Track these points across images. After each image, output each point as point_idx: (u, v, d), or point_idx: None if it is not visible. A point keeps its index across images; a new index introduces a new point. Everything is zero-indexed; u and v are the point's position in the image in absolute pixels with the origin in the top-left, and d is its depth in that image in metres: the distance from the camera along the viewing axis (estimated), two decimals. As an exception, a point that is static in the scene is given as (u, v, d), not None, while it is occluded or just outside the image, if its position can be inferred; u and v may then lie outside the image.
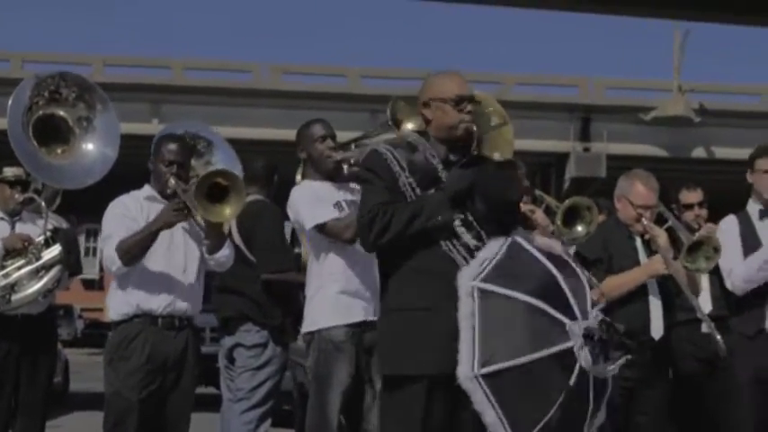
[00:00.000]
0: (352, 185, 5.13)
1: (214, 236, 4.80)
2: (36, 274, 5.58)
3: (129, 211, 4.89)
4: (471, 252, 3.85)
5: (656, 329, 5.14)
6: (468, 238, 3.90)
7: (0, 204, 5.90)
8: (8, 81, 10.49)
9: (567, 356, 3.52)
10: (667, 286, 5.25)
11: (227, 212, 4.67)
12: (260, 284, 5.79)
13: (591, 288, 3.88)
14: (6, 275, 5.56)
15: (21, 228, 5.79)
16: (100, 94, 5.43)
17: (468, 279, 3.69)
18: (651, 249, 5.28)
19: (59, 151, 5.38)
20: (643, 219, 5.26)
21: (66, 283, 5.95)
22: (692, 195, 6.15)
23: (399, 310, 3.98)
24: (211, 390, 11.73)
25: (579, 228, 5.47)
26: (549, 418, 3.50)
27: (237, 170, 5.32)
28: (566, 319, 3.55)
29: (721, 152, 20.31)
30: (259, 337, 5.80)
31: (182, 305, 4.88)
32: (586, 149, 20.87)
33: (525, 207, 5.00)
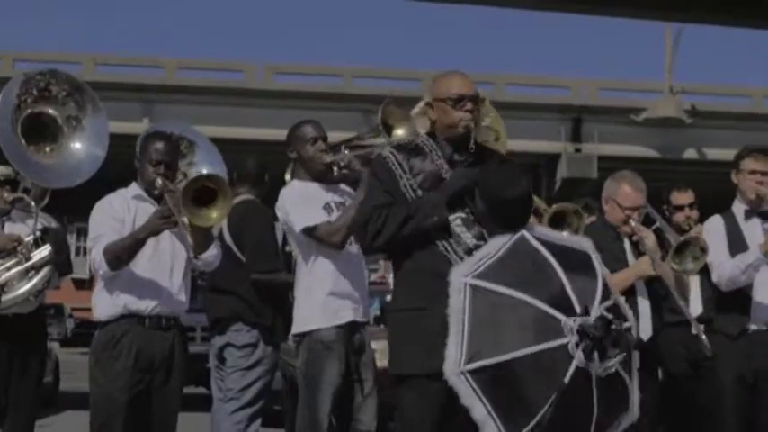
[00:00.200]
0: (342, 187, 5.15)
1: (201, 237, 4.79)
2: (26, 274, 5.56)
3: (116, 212, 4.86)
4: (470, 251, 3.87)
5: (645, 330, 5.14)
6: (467, 237, 3.93)
7: (-11, 204, 5.87)
8: (-1, 80, 10.46)
9: (562, 354, 3.49)
10: (655, 288, 5.26)
11: (214, 216, 4.66)
12: (250, 284, 5.79)
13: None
14: (-4, 276, 5.54)
15: (10, 228, 5.77)
16: (91, 94, 5.41)
17: (460, 275, 3.69)
18: (639, 251, 5.29)
19: (48, 150, 5.35)
20: (631, 220, 5.26)
21: (57, 282, 5.93)
22: (682, 197, 6.17)
23: (399, 310, 4.07)
24: (202, 390, 11.72)
25: (565, 234, 5.46)
26: (542, 415, 3.48)
27: (221, 170, 5.31)
28: (561, 316, 3.52)
29: (712, 153, 20.38)
30: (249, 337, 5.79)
31: (169, 305, 4.87)
32: (578, 150, 20.94)
33: None
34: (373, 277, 18.29)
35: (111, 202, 4.92)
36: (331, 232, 4.88)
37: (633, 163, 16.68)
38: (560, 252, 3.73)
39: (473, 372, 3.55)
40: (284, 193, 5.13)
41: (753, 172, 5.57)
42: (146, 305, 4.80)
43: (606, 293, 3.66)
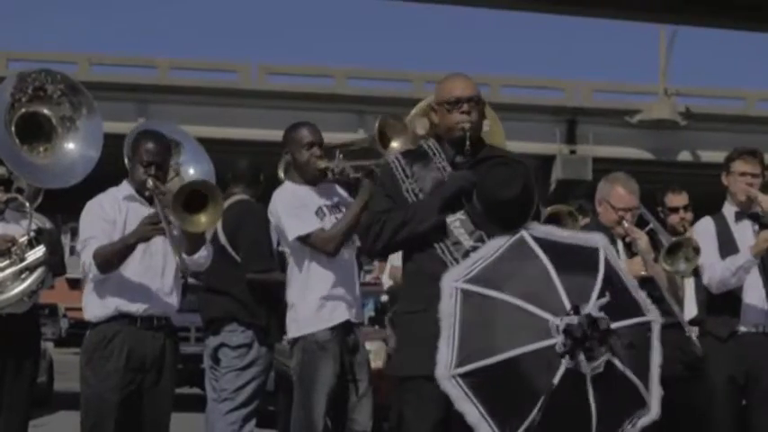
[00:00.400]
0: (336, 189, 5.18)
1: (192, 238, 4.78)
2: (20, 275, 5.54)
3: (107, 214, 4.85)
4: (467, 254, 3.88)
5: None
6: (465, 239, 3.94)
7: (-17, 204, 5.86)
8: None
9: (551, 355, 3.48)
10: (648, 290, 5.26)
11: (204, 221, 4.66)
12: (245, 284, 5.79)
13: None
14: (-10, 277, 5.52)
15: (4, 228, 5.74)
16: (86, 95, 5.39)
17: (452, 280, 3.70)
18: (633, 252, 5.29)
19: (42, 150, 5.33)
20: (624, 221, 5.27)
21: (51, 282, 5.92)
22: (677, 198, 6.17)
23: (402, 313, 4.16)
24: (196, 390, 11.71)
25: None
26: (533, 417, 3.47)
27: (208, 169, 5.30)
28: (549, 316, 3.51)
29: (707, 156, 20.41)
30: (244, 338, 5.79)
31: (160, 306, 4.86)
32: (572, 152, 20.97)
33: None
34: (368, 278, 18.28)
35: (102, 204, 4.91)
36: (325, 240, 4.92)
37: (628, 165, 16.70)
38: (557, 251, 3.71)
39: (464, 375, 3.55)
40: (276, 198, 5.14)
41: (743, 174, 5.57)
42: (137, 307, 4.80)
43: (605, 290, 3.61)
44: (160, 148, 4.91)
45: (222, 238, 5.83)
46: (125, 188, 4.97)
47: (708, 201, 6.23)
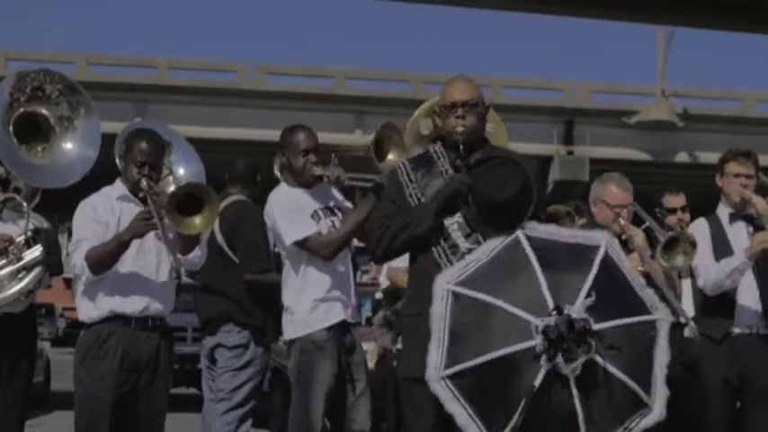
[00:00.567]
0: (332, 192, 5.20)
1: (186, 238, 4.78)
2: (17, 274, 5.53)
3: (99, 215, 4.84)
4: (463, 256, 3.90)
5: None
6: (461, 241, 3.96)
7: (-20, 204, 5.85)
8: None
9: (531, 356, 3.46)
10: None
11: (198, 224, 4.66)
12: (242, 285, 5.79)
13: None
14: (-13, 277, 5.51)
15: (1, 228, 5.73)
16: (84, 95, 5.38)
17: (444, 282, 3.71)
18: (629, 250, 5.28)
19: (40, 150, 5.33)
20: (620, 218, 5.26)
21: (48, 281, 5.91)
22: (675, 199, 6.17)
23: (403, 315, 4.25)
24: (193, 390, 11.71)
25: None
26: (518, 419, 3.45)
27: (198, 168, 5.29)
28: (531, 318, 3.50)
29: (704, 157, 20.41)
30: (240, 338, 5.79)
31: (155, 307, 4.86)
32: (570, 153, 20.97)
33: None
34: (365, 278, 18.25)
35: (95, 205, 4.89)
36: (323, 245, 4.96)
37: (625, 165, 16.70)
38: (551, 251, 3.70)
39: (452, 377, 3.57)
40: (272, 201, 5.15)
41: (737, 175, 5.57)
42: (132, 308, 4.79)
43: (594, 290, 3.56)
44: (154, 147, 4.90)
45: (219, 239, 5.83)
46: (118, 188, 4.95)
47: (705, 202, 6.23)
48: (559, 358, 3.44)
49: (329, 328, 4.96)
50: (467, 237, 3.95)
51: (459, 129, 4.02)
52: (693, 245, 5.35)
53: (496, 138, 4.77)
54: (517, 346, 3.48)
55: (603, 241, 3.78)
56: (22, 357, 5.84)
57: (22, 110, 5.23)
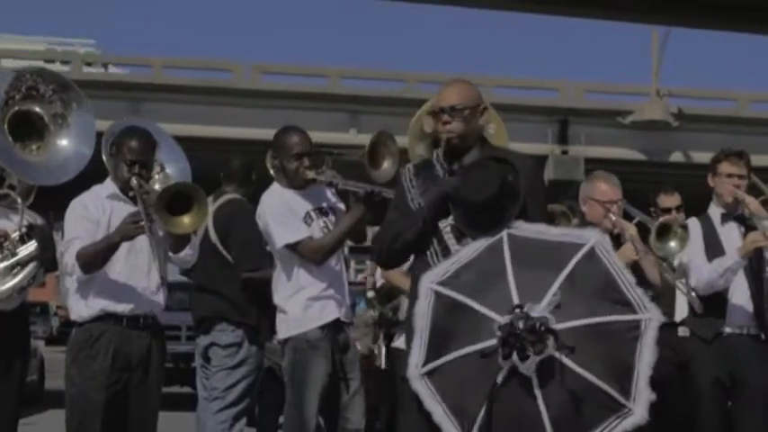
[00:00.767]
0: (326, 191, 5.21)
1: (177, 237, 4.78)
2: (11, 270, 5.53)
3: (90, 214, 4.84)
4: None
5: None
6: (452, 244, 3.98)
7: (-25, 200, 5.84)
8: (-14, 77, 10.40)
9: (493, 354, 3.44)
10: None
11: (187, 223, 4.66)
12: (238, 283, 5.79)
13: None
14: (-20, 272, 5.51)
15: (-3, 224, 5.74)
16: (78, 92, 5.38)
17: (427, 281, 3.73)
18: (621, 244, 5.28)
19: (34, 147, 5.32)
20: (611, 213, 5.27)
21: (42, 278, 5.91)
22: (669, 199, 6.18)
23: (407, 316, 4.19)
24: (187, 389, 11.70)
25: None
26: (483, 417, 3.45)
27: (184, 167, 5.28)
28: (496, 317, 3.48)
29: (699, 156, 20.38)
30: (234, 337, 5.80)
31: (147, 305, 4.86)
32: (564, 152, 20.95)
33: None
34: (359, 277, 18.27)
35: (86, 204, 4.89)
36: (314, 249, 4.98)
37: (619, 165, 16.72)
38: (527, 249, 3.67)
39: (428, 374, 3.59)
40: (264, 202, 5.15)
41: (729, 175, 5.59)
42: (123, 307, 4.80)
43: (566, 289, 3.50)
44: (145, 146, 4.90)
45: (213, 237, 5.84)
46: (109, 186, 4.95)
47: (700, 201, 6.25)
48: (515, 357, 3.40)
49: (323, 327, 4.97)
50: (458, 239, 3.96)
51: (443, 134, 4.05)
52: (684, 227, 5.37)
53: (497, 138, 4.79)
54: (479, 345, 3.48)
55: (592, 240, 3.70)
56: (15, 356, 5.83)
57: (16, 108, 5.23)
